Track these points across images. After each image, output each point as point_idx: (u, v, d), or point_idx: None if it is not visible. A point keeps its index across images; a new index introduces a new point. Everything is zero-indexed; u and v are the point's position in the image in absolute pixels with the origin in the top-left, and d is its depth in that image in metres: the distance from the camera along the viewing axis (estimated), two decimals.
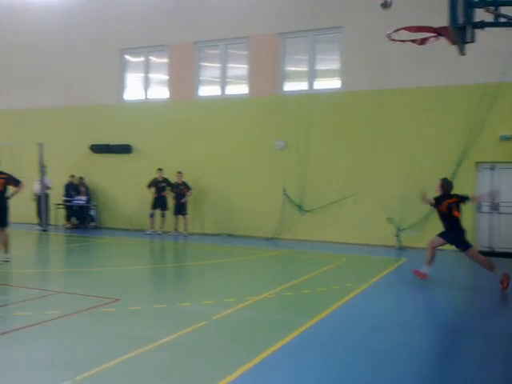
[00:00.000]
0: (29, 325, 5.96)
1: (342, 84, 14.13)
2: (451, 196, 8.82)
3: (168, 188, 15.41)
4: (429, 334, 6.21)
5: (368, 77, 13.61)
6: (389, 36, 7.94)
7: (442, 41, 7.54)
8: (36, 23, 18.08)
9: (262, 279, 9.36)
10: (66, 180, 17.01)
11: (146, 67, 16.92)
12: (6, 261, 10.04)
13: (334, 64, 14.61)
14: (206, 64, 16.18)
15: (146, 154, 16.46)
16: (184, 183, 15.28)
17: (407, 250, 12.59)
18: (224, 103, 15.53)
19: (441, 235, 8.82)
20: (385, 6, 9.12)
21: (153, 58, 16.92)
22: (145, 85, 16.97)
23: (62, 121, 17.68)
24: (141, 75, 17.08)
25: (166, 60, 16.48)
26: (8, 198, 10.17)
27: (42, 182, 16.06)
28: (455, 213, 8.68)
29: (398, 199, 12.67)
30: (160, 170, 15.39)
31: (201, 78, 16.15)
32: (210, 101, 15.79)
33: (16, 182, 10.15)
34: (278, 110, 14.62)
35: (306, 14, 14.20)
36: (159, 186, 15.40)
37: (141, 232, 15.70)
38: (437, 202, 8.80)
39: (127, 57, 17.17)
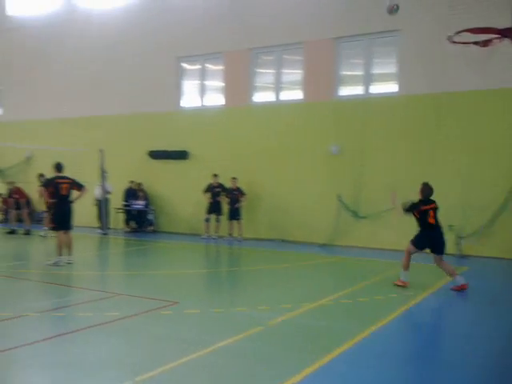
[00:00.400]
0: (90, 326, 6.16)
1: (399, 87, 13.85)
2: (429, 202, 8.62)
3: (223, 193, 15.58)
4: (492, 347, 5.95)
5: (426, 80, 13.27)
6: (450, 38, 7.73)
7: (506, 42, 7.26)
8: (97, 34, 18.75)
9: (317, 286, 9.27)
10: (125, 185, 17.52)
11: (202, 74, 17.22)
12: (69, 263, 10.44)
13: (390, 67, 14.35)
14: (260, 70, 16.29)
15: (202, 160, 16.71)
16: (238, 189, 15.40)
17: (468, 258, 12.15)
18: (278, 109, 15.57)
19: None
20: (390, 11, 8.89)
21: (209, 66, 17.20)
22: (201, 92, 17.27)
23: (122, 128, 18.24)
24: (197, 82, 17.40)
25: (221, 67, 16.71)
26: (72, 201, 10.60)
27: (102, 187, 16.63)
28: (430, 220, 8.52)
29: (459, 206, 12.27)
30: (215, 175, 15.58)
31: (255, 84, 16.27)
32: (265, 107, 15.87)
33: (79, 187, 10.59)
34: (332, 114, 14.50)
35: (362, 18, 14.03)
36: (214, 191, 15.59)
37: (196, 236, 15.94)
38: (412, 207, 8.63)
39: (184, 64, 17.53)
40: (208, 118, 16.70)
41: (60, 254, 10.35)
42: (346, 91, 14.77)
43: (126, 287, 8.86)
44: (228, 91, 16.52)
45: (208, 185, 15.62)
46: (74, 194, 10.70)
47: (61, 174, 10.57)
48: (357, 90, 14.62)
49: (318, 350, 5.39)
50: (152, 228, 17.32)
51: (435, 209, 8.61)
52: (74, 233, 10.93)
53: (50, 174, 10.88)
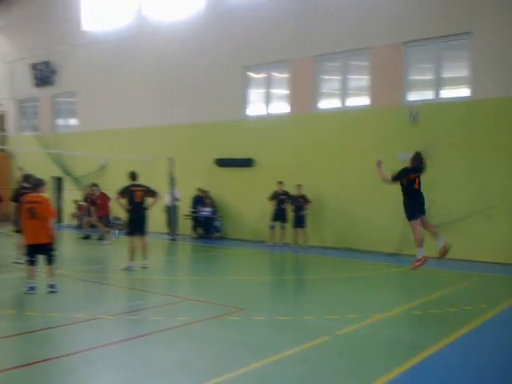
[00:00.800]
0: (161, 329, 6.34)
1: (472, 92, 13.35)
2: (417, 171, 8.66)
3: (288, 201, 15.58)
4: None
5: (500, 83, 12.72)
6: None
7: None
8: (165, 46, 19.36)
9: (385, 296, 9.07)
10: (193, 192, 17.91)
11: (268, 83, 17.36)
12: (144, 267, 10.80)
13: (462, 71, 13.86)
14: (326, 77, 16.23)
15: (267, 167, 16.82)
16: (303, 196, 15.36)
17: None
18: (344, 115, 15.42)
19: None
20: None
21: (274, 74, 17.32)
22: (266, 100, 17.42)
23: (190, 136, 18.70)
24: (262, 91, 17.57)
25: (286, 75, 16.78)
26: (146, 208, 11.00)
27: (171, 194, 17.10)
28: (416, 186, 8.66)
29: None
30: (280, 182, 15.61)
31: (321, 91, 16.21)
32: (330, 113, 15.77)
33: (153, 194, 11.03)
34: (401, 120, 14.18)
35: (431, 21, 13.67)
36: (279, 198, 15.63)
37: (262, 243, 16.02)
38: (402, 174, 8.60)
39: (250, 73, 17.76)
40: (273, 126, 16.80)
41: (132, 259, 10.72)
42: (415, 96, 14.42)
43: (194, 292, 9.04)
44: (293, 99, 16.56)
45: (273, 192, 15.68)
46: (149, 200, 11.09)
47: (135, 182, 11.00)
48: (426, 94, 14.24)
49: (386, 363, 5.28)
50: (219, 234, 17.58)
51: (419, 177, 8.76)
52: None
53: (124, 182, 11.29)
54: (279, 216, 15.65)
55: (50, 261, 8.33)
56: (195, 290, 9.29)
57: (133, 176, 11.17)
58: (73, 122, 23.35)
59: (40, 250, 8.28)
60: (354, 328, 6.57)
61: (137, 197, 10.83)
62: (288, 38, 16.36)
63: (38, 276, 8.35)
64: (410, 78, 14.49)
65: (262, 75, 17.54)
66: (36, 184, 8.56)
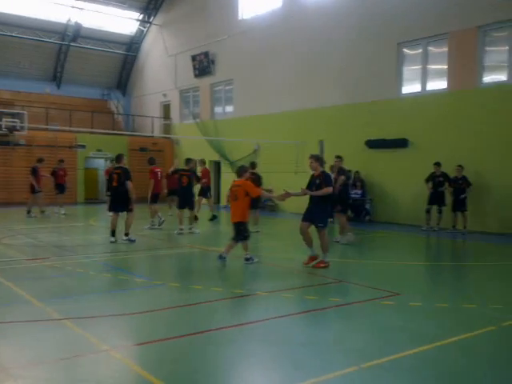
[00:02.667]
0: (316, 309, 6.44)
1: None
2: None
3: (446, 183, 14.71)
4: None
5: None
6: None
7: None
8: (315, 25, 19.34)
9: None
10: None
11: (424, 58, 16.46)
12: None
13: None
14: (491, 48, 14.90)
15: (423, 148, 16.04)
16: (464, 178, 14.38)
17: None
18: None
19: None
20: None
21: (431, 49, 16.36)
22: (422, 77, 16.55)
23: (341, 119, 18.56)
24: (418, 67, 16.72)
25: (445, 49, 15.75)
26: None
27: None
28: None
29: None
30: (438, 164, 14.79)
31: (485, 65, 14.94)
32: (497, 88, 14.47)
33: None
34: None
35: None
36: (436, 180, 14.83)
37: (415, 227, 15.39)
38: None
39: (405, 50, 17.00)
40: (429, 104, 15.94)
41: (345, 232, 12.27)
42: None
43: (346, 274, 9.01)
44: (452, 74, 15.52)
45: (430, 174, 14.92)
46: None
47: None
48: None
49: None
50: (368, 218, 17.27)
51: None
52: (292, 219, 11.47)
53: (275, 166, 11.63)
54: (436, 199, 14.88)
55: (244, 238, 9.23)
56: (347, 273, 9.25)
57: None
58: (229, 108, 24.55)
59: (233, 227, 9.31)
60: None
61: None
62: (448, 9, 15.32)
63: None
64: None
65: (418, 51, 16.68)
66: (239, 171, 9.54)
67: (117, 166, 11.82)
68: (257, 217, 13.94)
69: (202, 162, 17.84)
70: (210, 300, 6.81)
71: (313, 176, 9.13)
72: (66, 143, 24.41)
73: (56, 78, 29.29)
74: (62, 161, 18.96)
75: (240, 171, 9.50)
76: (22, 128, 21.96)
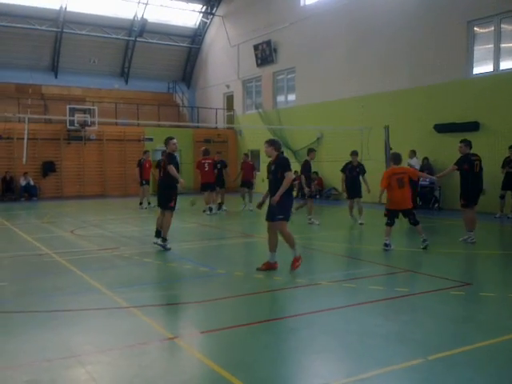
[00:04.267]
0: (380, 299, 6.26)
1: None
2: None
3: None
4: None
5: None
6: None
7: None
8: (380, 8, 18.74)
9: None
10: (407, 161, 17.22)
11: (497, 36, 15.56)
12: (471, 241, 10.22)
13: None
14: None
15: (496, 131, 15.23)
16: None
17: None
18: None
19: None
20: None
21: (504, 26, 15.44)
22: (495, 56, 15.67)
23: (407, 102, 17.96)
24: (490, 46, 15.85)
25: None
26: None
27: (387, 163, 16.68)
28: None
29: None
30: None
31: None
32: None
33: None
34: None
35: None
36: (511, 165, 14.05)
37: (489, 215, 14.67)
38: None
39: (475, 28, 16.15)
40: (503, 85, 15.08)
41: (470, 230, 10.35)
42: None
43: (413, 264, 8.73)
44: None
45: (504, 158, 14.16)
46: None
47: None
48: None
49: None
50: (438, 205, 16.65)
51: None
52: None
53: (341, 152, 11.39)
54: (511, 184, 14.10)
55: (415, 222, 9.58)
56: (414, 262, 8.97)
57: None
58: (291, 97, 24.37)
59: (405, 214, 9.65)
60: None
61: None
62: None
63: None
64: None
65: (489, 29, 15.80)
66: (397, 157, 9.69)
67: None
68: (311, 206, 13.66)
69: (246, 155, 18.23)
70: (272, 290, 6.80)
71: (269, 163, 7.95)
72: (135, 137, 25.18)
73: (124, 74, 30.22)
74: (147, 151, 19.08)
75: (397, 158, 9.71)
76: (93, 123, 22.85)
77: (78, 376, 4.18)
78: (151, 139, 25.36)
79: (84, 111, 23.42)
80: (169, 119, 26.77)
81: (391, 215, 9.67)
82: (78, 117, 22.56)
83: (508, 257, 9.75)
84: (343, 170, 13.74)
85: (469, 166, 10.22)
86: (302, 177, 13.29)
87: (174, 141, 9.86)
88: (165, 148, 10.03)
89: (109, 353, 4.65)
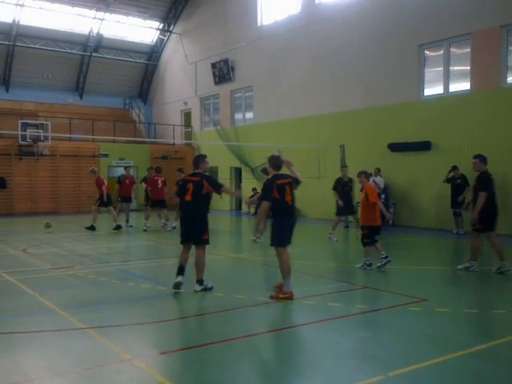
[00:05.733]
0: (338, 316, 6.32)
1: None
2: None
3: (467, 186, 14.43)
4: None
5: None
6: None
7: None
8: (335, 29, 19.22)
9: None
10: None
11: (447, 60, 16.22)
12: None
13: None
14: None
15: (446, 151, 15.79)
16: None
17: None
18: None
19: None
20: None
21: (453, 50, 16.12)
22: (444, 78, 16.31)
23: (362, 122, 18.40)
24: (439, 69, 16.49)
25: (467, 49, 15.50)
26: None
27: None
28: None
29: None
30: (455, 167, 14.60)
31: (509, 64, 14.66)
32: None
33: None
34: None
35: None
36: (455, 183, 14.63)
37: (442, 231, 15.12)
38: None
39: (426, 52, 16.79)
40: (452, 106, 15.70)
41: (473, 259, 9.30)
42: None
43: (370, 280, 8.86)
44: (475, 75, 15.26)
45: (449, 177, 14.70)
46: None
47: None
48: None
49: None
50: (392, 221, 17.02)
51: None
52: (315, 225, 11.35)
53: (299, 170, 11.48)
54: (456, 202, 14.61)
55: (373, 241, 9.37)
56: (371, 278, 9.10)
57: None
58: (249, 115, 24.56)
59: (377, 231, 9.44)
60: None
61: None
62: (471, 9, 15.08)
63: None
64: None
65: (439, 52, 16.46)
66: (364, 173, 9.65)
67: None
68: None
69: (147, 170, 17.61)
70: (234, 308, 6.76)
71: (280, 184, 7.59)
72: (89, 153, 24.70)
73: (78, 89, 29.71)
74: (128, 167, 18.41)
75: (368, 173, 9.79)
76: (46, 138, 22.30)
77: None
78: (106, 155, 24.95)
79: (37, 126, 22.81)
80: (125, 135, 26.42)
81: (373, 233, 9.35)
82: (30, 132, 21.97)
83: (459, 272, 10.04)
84: (335, 188, 13.50)
85: (492, 186, 8.98)
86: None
87: (207, 159, 8.01)
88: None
89: (66, 376, 4.49)
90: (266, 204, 7.28)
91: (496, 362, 4.82)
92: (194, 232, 7.60)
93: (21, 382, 4.33)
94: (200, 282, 7.60)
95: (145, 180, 17.25)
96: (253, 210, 22.11)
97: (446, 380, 4.39)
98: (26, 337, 5.60)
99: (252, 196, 21.91)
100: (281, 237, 7.27)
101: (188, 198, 7.57)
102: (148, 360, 4.92)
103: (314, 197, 20.03)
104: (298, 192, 7.76)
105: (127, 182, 17.16)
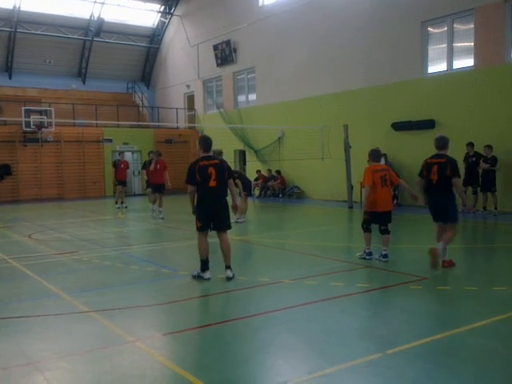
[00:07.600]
0: (341, 295, 6.36)
1: None
2: None
3: (481, 162, 14.30)
4: None
5: None
6: None
7: None
8: (337, 8, 18.99)
9: None
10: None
11: (450, 36, 16.00)
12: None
13: None
14: None
15: (451, 129, 15.63)
16: (493, 158, 14.00)
17: None
18: None
19: None
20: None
21: (456, 26, 15.90)
22: (448, 55, 16.12)
23: (365, 102, 18.26)
24: (443, 46, 16.29)
25: (471, 25, 15.28)
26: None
27: (347, 161, 16.96)
28: None
29: None
30: (471, 144, 14.45)
31: None
32: None
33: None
34: None
35: None
36: (470, 160, 14.48)
37: None
38: None
39: (429, 29, 16.57)
40: (456, 83, 15.53)
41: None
42: None
43: (374, 260, 8.87)
44: (479, 51, 15.06)
45: (464, 154, 14.58)
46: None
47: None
48: None
49: None
50: (396, 201, 16.96)
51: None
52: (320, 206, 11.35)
53: (300, 152, 11.47)
54: (470, 180, 14.48)
55: (386, 230, 8.42)
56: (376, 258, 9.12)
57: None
58: (252, 97, 24.42)
59: (383, 217, 8.41)
60: None
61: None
62: None
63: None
64: None
65: (443, 29, 16.23)
66: (375, 154, 8.60)
67: (206, 155, 7.35)
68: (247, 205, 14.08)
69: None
70: (234, 289, 6.81)
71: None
72: (93, 138, 24.72)
73: (81, 74, 29.62)
74: (122, 152, 19.90)
75: (376, 154, 8.62)
76: (50, 124, 22.32)
77: (36, 383, 4.09)
78: (110, 140, 24.97)
79: (40, 112, 22.84)
80: (128, 119, 26.41)
81: (371, 218, 8.46)
82: (34, 118, 21.98)
83: (463, 250, 10.05)
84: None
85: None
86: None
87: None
88: (201, 151, 7.36)
89: (68, 358, 4.56)
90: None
91: (497, 337, 4.83)
92: (222, 219, 7.33)
93: (24, 364, 4.40)
94: (230, 267, 7.35)
95: (114, 165, 18.43)
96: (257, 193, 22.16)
97: (444, 356, 4.41)
98: (31, 321, 5.68)
99: (256, 179, 21.96)
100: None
101: (213, 183, 7.15)
102: (150, 342, 4.97)
103: (318, 178, 20.03)
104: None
105: (122, 166, 18.29)
